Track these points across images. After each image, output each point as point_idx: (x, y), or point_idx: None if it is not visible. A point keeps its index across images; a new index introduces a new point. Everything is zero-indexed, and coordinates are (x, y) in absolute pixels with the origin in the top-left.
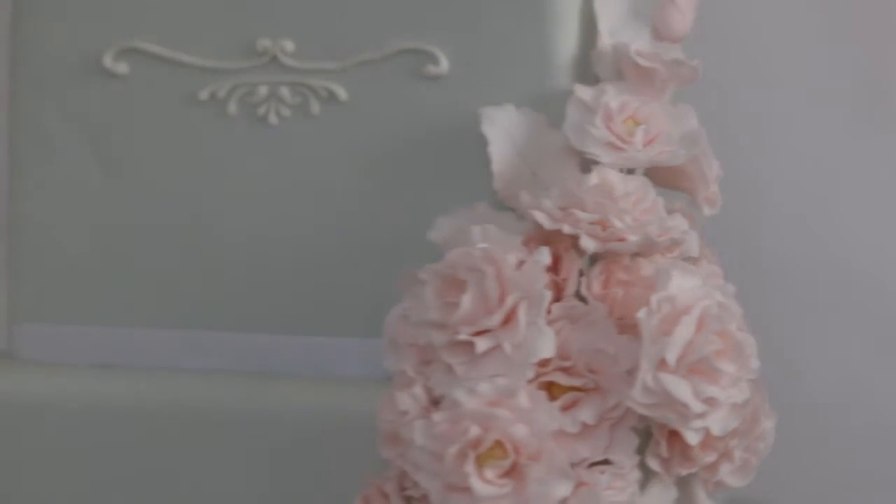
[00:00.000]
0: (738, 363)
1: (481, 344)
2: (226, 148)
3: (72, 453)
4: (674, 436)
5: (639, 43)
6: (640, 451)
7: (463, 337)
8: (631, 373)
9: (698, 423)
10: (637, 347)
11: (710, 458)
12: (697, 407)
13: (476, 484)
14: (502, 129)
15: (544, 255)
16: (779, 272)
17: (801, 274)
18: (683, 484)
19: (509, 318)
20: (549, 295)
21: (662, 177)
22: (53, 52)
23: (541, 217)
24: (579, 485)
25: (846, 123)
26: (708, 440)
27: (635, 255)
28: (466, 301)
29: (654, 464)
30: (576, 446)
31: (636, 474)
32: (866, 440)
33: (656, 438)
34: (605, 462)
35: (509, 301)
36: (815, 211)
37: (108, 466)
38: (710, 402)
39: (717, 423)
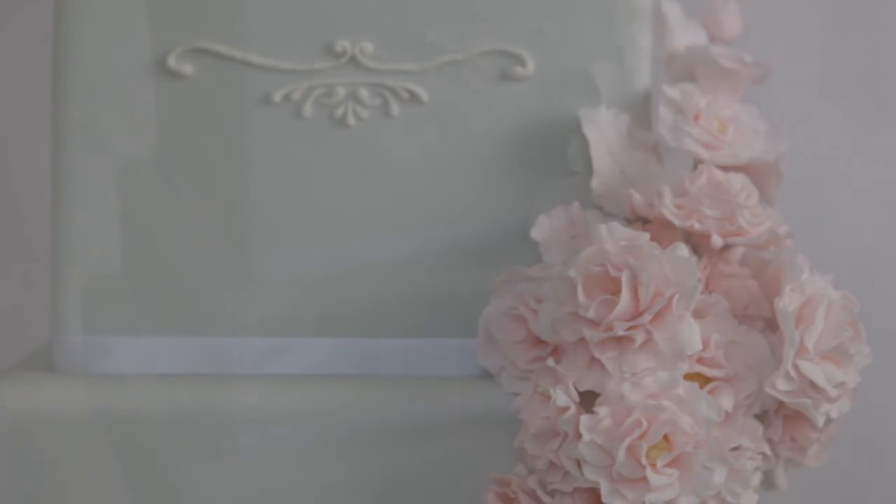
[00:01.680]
0: (857, 348)
1: (639, 338)
2: (301, 150)
3: (115, 465)
4: (787, 420)
5: (713, 44)
6: None
7: (621, 332)
8: (758, 361)
9: (827, 408)
10: (754, 337)
11: (817, 439)
12: (833, 392)
13: (651, 475)
14: (599, 130)
15: (682, 250)
16: None
17: None
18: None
19: (661, 313)
20: (700, 288)
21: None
22: (108, 53)
23: (670, 215)
24: (730, 470)
25: (846, 122)
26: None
27: (727, 247)
28: (625, 298)
29: (765, 448)
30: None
31: (759, 458)
32: (866, 440)
33: (772, 423)
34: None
35: (666, 295)
36: (813, 210)
37: (154, 478)
38: (841, 386)
39: (837, 407)
